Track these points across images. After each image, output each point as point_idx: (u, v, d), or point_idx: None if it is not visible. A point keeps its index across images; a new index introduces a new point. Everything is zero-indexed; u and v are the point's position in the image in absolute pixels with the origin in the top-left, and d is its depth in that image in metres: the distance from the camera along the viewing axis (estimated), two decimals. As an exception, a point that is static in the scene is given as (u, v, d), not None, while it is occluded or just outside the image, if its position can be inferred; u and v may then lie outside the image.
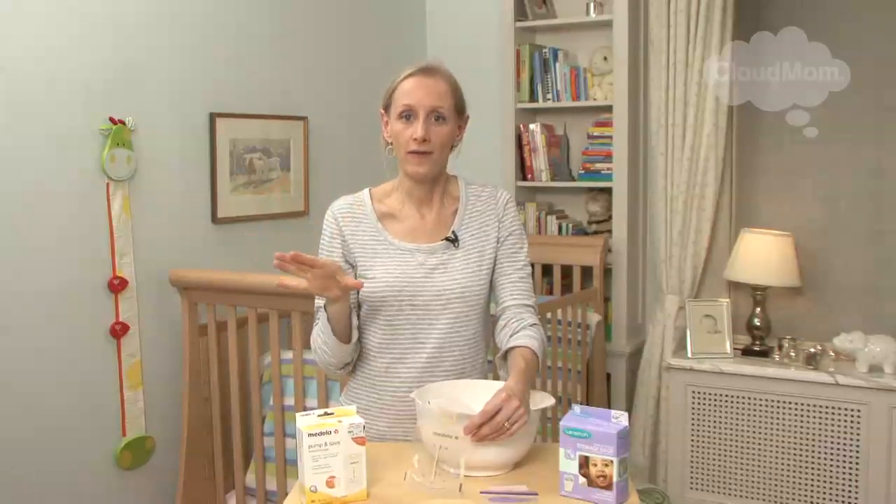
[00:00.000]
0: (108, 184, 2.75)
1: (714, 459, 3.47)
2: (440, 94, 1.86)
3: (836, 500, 3.26)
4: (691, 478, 3.52)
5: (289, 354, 2.75)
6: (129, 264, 2.81)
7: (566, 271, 3.92)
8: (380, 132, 1.96)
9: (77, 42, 2.67)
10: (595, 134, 3.91)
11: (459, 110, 1.92)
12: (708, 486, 3.49)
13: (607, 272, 3.85)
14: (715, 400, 3.46)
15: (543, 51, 3.94)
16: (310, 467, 1.53)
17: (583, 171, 3.94)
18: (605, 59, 3.83)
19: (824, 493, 3.28)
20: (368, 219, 1.93)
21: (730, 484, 3.45)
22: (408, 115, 1.85)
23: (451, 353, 1.90)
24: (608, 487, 1.51)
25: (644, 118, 3.79)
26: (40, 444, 2.62)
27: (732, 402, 3.42)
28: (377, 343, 1.92)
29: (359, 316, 1.93)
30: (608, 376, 3.85)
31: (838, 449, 3.25)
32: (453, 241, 1.91)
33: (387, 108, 1.91)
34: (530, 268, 1.99)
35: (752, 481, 3.41)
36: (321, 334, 1.86)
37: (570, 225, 4.00)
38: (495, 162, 4.03)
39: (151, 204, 2.90)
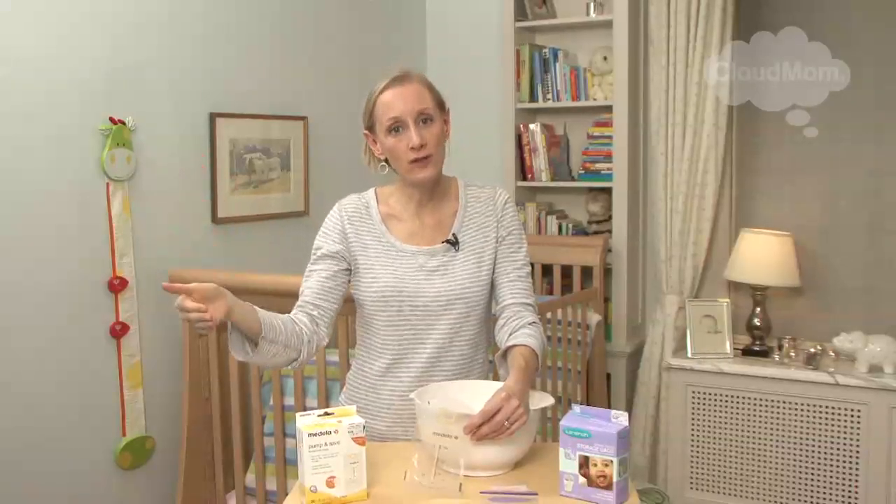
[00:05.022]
0: (108, 184, 2.75)
1: (714, 459, 3.47)
2: (420, 97, 1.86)
3: (836, 500, 3.26)
4: (691, 478, 3.52)
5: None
6: (129, 264, 2.81)
7: (566, 271, 3.92)
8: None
9: (77, 42, 2.67)
10: (595, 134, 3.91)
11: (440, 106, 1.92)
12: (708, 486, 3.49)
13: (607, 272, 3.85)
14: (715, 400, 3.46)
15: (543, 51, 3.94)
16: (310, 467, 1.53)
17: (583, 171, 3.94)
18: (605, 59, 3.83)
19: (824, 493, 3.28)
20: (373, 220, 1.94)
21: (730, 484, 3.45)
22: (396, 127, 1.85)
23: (451, 354, 1.90)
24: (608, 487, 1.52)
25: (644, 118, 3.79)
26: (40, 444, 2.62)
27: (732, 402, 3.42)
28: (378, 344, 1.92)
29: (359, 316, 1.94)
30: (608, 376, 3.85)
31: (838, 449, 3.25)
32: (454, 243, 1.92)
33: (370, 127, 1.91)
34: (529, 267, 2.00)
35: (752, 481, 3.41)
36: (232, 345, 1.76)
37: (570, 225, 4.00)
38: (495, 162, 4.03)
39: (151, 204, 2.90)
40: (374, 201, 1.96)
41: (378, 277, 1.89)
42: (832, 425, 3.25)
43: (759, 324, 3.54)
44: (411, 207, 1.95)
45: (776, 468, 3.36)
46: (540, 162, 3.97)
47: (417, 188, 1.92)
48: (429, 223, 1.94)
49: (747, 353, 3.52)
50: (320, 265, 1.91)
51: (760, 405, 3.37)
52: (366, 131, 1.93)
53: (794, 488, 3.33)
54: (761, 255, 3.50)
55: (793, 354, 3.40)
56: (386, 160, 1.91)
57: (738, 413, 3.41)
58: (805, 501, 3.32)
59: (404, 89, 1.86)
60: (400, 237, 1.92)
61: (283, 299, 2.61)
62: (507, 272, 1.94)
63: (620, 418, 1.55)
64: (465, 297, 1.89)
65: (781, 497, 3.36)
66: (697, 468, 3.51)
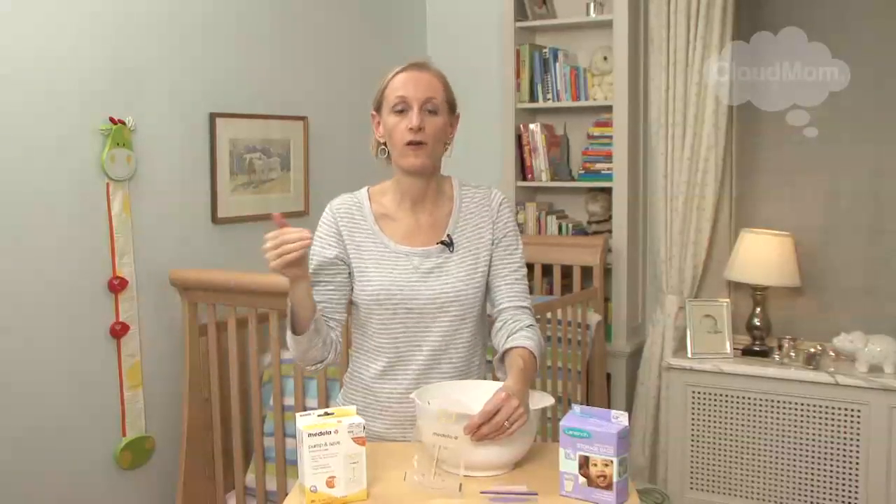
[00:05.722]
0: (108, 184, 2.75)
1: (714, 459, 3.47)
2: (432, 87, 1.86)
3: (836, 500, 3.26)
4: (691, 478, 3.52)
5: (289, 354, 2.75)
6: (129, 264, 2.81)
7: (566, 271, 3.92)
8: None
9: (77, 42, 2.67)
10: (595, 134, 3.91)
11: (451, 106, 1.92)
12: (708, 486, 3.49)
13: (607, 272, 3.85)
14: (715, 400, 3.46)
15: (543, 51, 3.94)
16: (310, 467, 1.53)
17: (583, 171, 3.94)
18: (605, 59, 3.83)
19: (824, 493, 3.28)
20: (366, 220, 1.93)
21: (730, 484, 3.45)
22: (401, 107, 1.84)
23: (447, 356, 1.90)
24: (608, 487, 1.51)
25: (644, 118, 3.79)
26: (40, 444, 2.62)
27: (732, 402, 3.42)
28: (373, 346, 1.92)
29: (351, 316, 1.95)
30: (608, 376, 3.85)
31: (838, 449, 3.25)
32: (448, 244, 1.91)
33: (378, 107, 1.91)
34: (525, 269, 1.99)
35: (752, 481, 3.41)
36: (286, 329, 1.83)
37: (570, 225, 4.00)
38: (495, 162, 4.03)
39: (151, 204, 2.90)
40: (366, 200, 1.95)
41: (371, 280, 1.88)
42: (832, 425, 3.25)
43: (759, 324, 3.54)
44: (405, 206, 1.93)
45: (776, 468, 3.36)
46: (540, 162, 3.97)
47: (409, 182, 1.90)
48: (424, 223, 1.93)
49: (747, 353, 3.52)
50: (323, 276, 1.89)
51: (760, 405, 3.37)
52: (373, 111, 1.93)
53: (794, 488, 3.33)
54: (761, 255, 3.50)
55: (793, 354, 3.40)
56: (385, 144, 1.91)
57: (738, 413, 3.41)
58: (805, 501, 3.32)
59: (419, 75, 1.87)
60: (393, 238, 1.91)
61: (284, 299, 2.61)
62: (504, 275, 1.94)
63: (620, 418, 1.55)
64: (461, 299, 1.88)
65: (781, 497, 3.36)
66: (697, 468, 3.51)
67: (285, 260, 1.65)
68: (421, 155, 1.85)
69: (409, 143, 1.84)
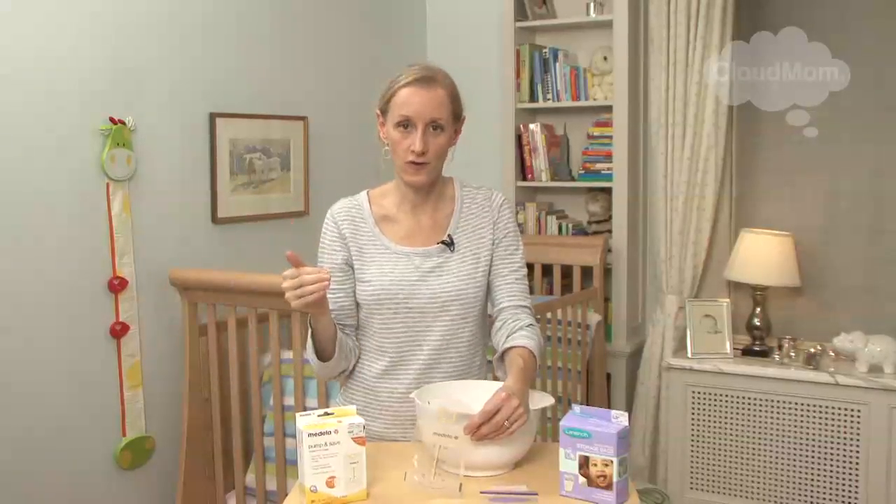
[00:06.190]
0: (108, 184, 2.75)
1: (714, 459, 3.47)
2: (439, 105, 1.83)
3: (836, 500, 3.26)
4: (691, 478, 3.52)
5: (289, 354, 2.76)
6: (129, 264, 2.81)
7: (566, 271, 3.92)
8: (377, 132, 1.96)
9: (77, 42, 2.67)
10: (595, 134, 3.91)
11: (457, 116, 1.91)
12: (708, 486, 3.49)
13: (607, 272, 3.85)
14: (715, 400, 3.46)
15: (543, 51, 3.94)
16: (310, 467, 1.53)
17: (583, 171, 3.94)
18: (605, 59, 3.83)
19: (824, 493, 3.28)
20: (366, 222, 1.93)
21: (730, 484, 3.45)
22: (405, 124, 1.83)
23: (448, 356, 1.90)
24: (608, 487, 1.52)
25: (644, 118, 3.79)
26: (40, 444, 2.62)
27: (732, 402, 3.42)
28: (374, 346, 1.92)
29: (358, 319, 1.95)
30: (608, 376, 3.85)
31: (838, 449, 3.25)
32: (449, 244, 1.91)
33: (383, 111, 1.90)
34: (526, 269, 2.00)
35: (752, 481, 3.41)
36: (307, 351, 1.88)
37: (570, 225, 4.00)
38: (495, 162, 4.03)
39: (151, 204, 2.90)
40: (366, 203, 1.96)
41: (372, 280, 1.89)
42: (832, 425, 3.25)
43: (759, 324, 3.54)
44: (406, 207, 1.94)
45: (776, 468, 3.36)
46: (540, 162, 3.97)
47: (410, 188, 1.91)
48: (425, 224, 1.94)
49: (747, 353, 3.52)
50: (334, 283, 1.88)
51: (760, 405, 3.37)
52: (378, 111, 1.92)
53: (794, 488, 3.33)
54: (761, 255, 3.50)
55: (793, 354, 3.40)
56: (388, 146, 1.91)
57: (738, 413, 3.41)
58: (805, 501, 3.32)
59: (426, 93, 1.82)
60: (394, 238, 1.92)
61: (283, 299, 2.61)
62: (504, 275, 1.94)
63: (620, 418, 1.55)
64: (462, 298, 1.89)
65: (781, 497, 3.36)
66: (697, 468, 3.51)
67: (306, 301, 1.67)
68: (422, 173, 1.86)
69: (410, 163, 1.84)
